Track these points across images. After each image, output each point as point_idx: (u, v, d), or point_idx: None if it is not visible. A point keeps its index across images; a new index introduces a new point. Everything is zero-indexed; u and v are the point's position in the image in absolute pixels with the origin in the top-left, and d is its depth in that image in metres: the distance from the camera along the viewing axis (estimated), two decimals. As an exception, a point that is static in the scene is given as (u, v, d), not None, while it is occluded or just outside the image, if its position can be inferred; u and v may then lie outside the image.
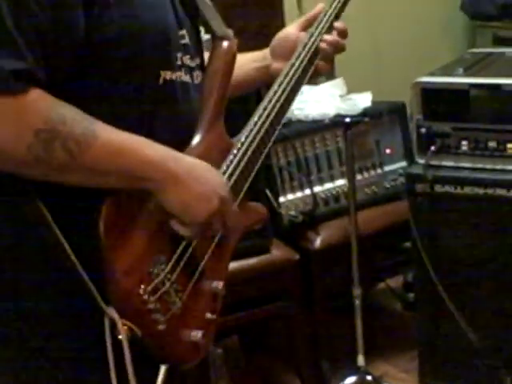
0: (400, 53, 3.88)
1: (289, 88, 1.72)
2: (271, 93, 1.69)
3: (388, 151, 3.20)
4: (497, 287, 2.72)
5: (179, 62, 1.49)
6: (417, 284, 2.96)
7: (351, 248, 2.85)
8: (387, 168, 3.19)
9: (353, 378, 2.95)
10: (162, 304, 1.39)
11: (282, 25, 3.25)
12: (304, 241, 3.01)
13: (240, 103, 1.82)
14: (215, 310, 1.52)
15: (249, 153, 1.59)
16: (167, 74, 1.46)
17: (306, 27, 1.81)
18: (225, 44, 1.61)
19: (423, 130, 2.78)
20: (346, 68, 3.35)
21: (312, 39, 1.77)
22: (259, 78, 1.84)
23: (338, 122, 2.95)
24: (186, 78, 1.51)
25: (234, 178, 1.55)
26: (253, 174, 1.61)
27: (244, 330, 3.08)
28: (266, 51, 1.84)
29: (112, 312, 1.33)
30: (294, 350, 3.06)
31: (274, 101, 1.68)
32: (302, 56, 1.75)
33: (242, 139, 1.59)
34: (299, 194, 2.97)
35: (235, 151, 1.57)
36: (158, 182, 1.37)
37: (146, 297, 1.37)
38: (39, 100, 1.25)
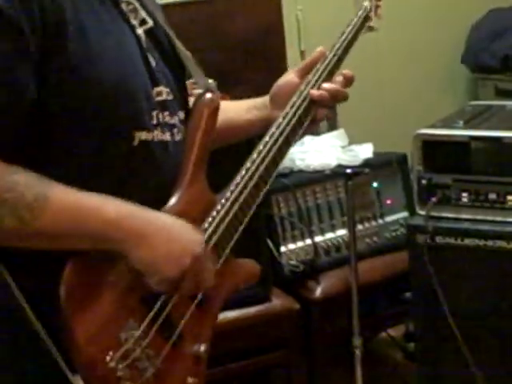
0: (402, 104, 3.93)
1: (281, 139, 1.62)
2: (261, 145, 1.60)
3: (389, 202, 3.22)
4: (497, 339, 2.69)
5: (155, 121, 1.43)
6: (417, 334, 2.91)
7: (352, 298, 2.80)
8: (388, 218, 3.21)
9: (353, 429, 2.89)
10: (132, 371, 1.36)
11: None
12: (304, 290, 2.99)
13: (230, 153, 1.74)
14: (198, 373, 1.47)
15: (234, 208, 1.52)
16: (142, 135, 1.41)
17: (305, 74, 1.71)
18: (207, 96, 1.55)
19: (424, 182, 2.77)
20: (347, 119, 3.42)
21: (308, 87, 1.67)
22: (259, 126, 1.74)
23: (339, 172, 2.96)
24: (166, 137, 1.45)
25: (217, 235, 1.48)
26: (239, 231, 1.53)
27: (244, 378, 3.02)
28: (266, 98, 1.75)
29: (78, 381, 1.29)
30: (294, 400, 3.05)
31: (263, 154, 1.59)
32: (296, 105, 1.66)
33: (228, 194, 1.52)
34: (300, 244, 2.97)
35: (219, 207, 1.50)
36: (120, 241, 1.33)
37: (113, 364, 1.33)
38: None
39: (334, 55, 1.71)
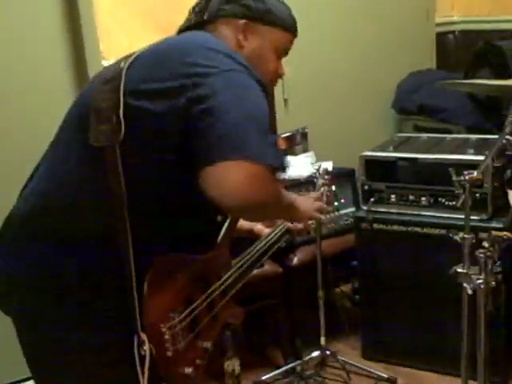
0: (352, 135, 4.05)
1: (265, 246, 2.04)
2: (253, 247, 2.00)
3: (343, 200, 3.47)
4: (415, 293, 3.08)
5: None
6: (361, 289, 3.31)
7: (317, 264, 3.12)
8: (342, 212, 3.47)
9: (317, 352, 3.28)
10: (172, 339, 1.55)
11: (272, 115, 3.11)
12: (286, 259, 3.30)
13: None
14: (204, 358, 1.67)
15: (237, 272, 1.89)
16: (220, 217, 1.77)
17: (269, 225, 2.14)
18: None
19: (366, 187, 3.13)
20: (315, 145, 3.70)
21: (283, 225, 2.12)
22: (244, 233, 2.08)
23: (309, 180, 3.14)
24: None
25: (225, 285, 1.81)
26: (236, 287, 1.88)
27: (245, 319, 2.99)
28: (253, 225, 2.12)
29: (143, 334, 1.48)
30: (278, 333, 3.36)
31: (253, 252, 1.98)
32: (276, 231, 2.10)
33: (233, 265, 1.89)
34: (282, 229, 3.15)
35: (231, 269, 1.87)
36: (294, 207, 1.89)
37: (164, 329, 1.53)
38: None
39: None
